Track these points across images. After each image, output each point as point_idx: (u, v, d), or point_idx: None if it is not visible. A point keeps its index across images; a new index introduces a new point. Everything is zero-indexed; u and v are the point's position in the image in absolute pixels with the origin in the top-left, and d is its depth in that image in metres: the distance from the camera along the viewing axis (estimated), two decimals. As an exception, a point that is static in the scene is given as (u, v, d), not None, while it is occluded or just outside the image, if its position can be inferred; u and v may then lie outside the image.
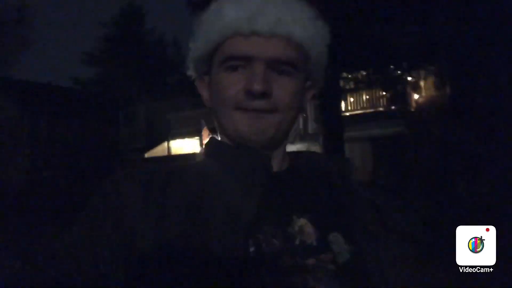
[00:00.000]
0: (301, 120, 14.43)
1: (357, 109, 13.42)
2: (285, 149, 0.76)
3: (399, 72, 10.51)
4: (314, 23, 0.71)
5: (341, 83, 10.77)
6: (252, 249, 0.62)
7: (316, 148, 12.44)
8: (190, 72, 0.78)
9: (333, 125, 9.98)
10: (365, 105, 13.36)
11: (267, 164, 0.70)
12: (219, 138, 0.77)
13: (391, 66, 10.19)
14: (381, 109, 12.81)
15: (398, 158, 11.04)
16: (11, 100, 15.51)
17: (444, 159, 9.15)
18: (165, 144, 17.95)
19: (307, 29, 0.69)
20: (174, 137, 17.65)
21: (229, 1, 0.70)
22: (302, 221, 0.66)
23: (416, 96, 12.32)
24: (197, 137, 16.02)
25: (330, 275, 0.63)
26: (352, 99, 13.55)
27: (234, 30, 0.68)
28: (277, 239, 0.63)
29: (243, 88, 0.67)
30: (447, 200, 7.06)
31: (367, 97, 13.28)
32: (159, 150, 17.78)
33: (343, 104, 12.72)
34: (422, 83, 11.68)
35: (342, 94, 11.59)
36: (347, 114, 13.07)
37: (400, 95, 11.36)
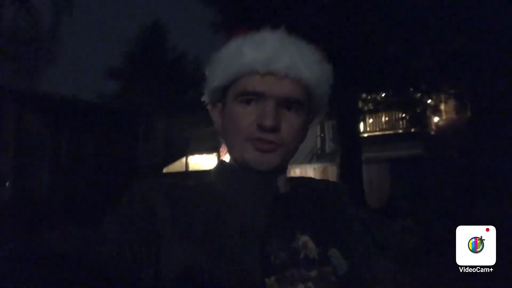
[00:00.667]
0: (318, 140, 14.40)
1: (376, 131, 13.34)
2: (286, 174, 0.85)
3: (418, 94, 10.46)
4: (320, 67, 0.80)
5: (360, 104, 10.76)
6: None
7: (333, 168, 12.35)
8: (205, 98, 0.87)
9: (350, 145, 9.92)
10: (384, 126, 13.28)
11: (274, 186, 0.79)
12: (228, 160, 0.85)
13: (411, 89, 10.15)
14: (400, 131, 12.71)
15: (416, 181, 10.89)
16: (35, 112, 15.93)
17: (463, 183, 8.99)
18: (183, 159, 18.09)
19: (314, 72, 0.78)
20: (193, 152, 17.78)
21: (249, 42, 0.78)
22: (305, 238, 0.75)
23: (436, 119, 12.20)
24: (215, 153, 16.13)
25: (332, 286, 0.71)
26: (371, 120, 13.49)
27: (251, 69, 0.76)
28: (283, 252, 0.71)
29: (255, 121, 0.75)
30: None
31: (386, 118, 13.22)
32: (177, 166, 17.91)
33: (361, 125, 12.67)
34: (442, 106, 11.57)
35: (360, 115, 11.57)
36: (366, 135, 12.99)
37: (419, 117, 11.28)
